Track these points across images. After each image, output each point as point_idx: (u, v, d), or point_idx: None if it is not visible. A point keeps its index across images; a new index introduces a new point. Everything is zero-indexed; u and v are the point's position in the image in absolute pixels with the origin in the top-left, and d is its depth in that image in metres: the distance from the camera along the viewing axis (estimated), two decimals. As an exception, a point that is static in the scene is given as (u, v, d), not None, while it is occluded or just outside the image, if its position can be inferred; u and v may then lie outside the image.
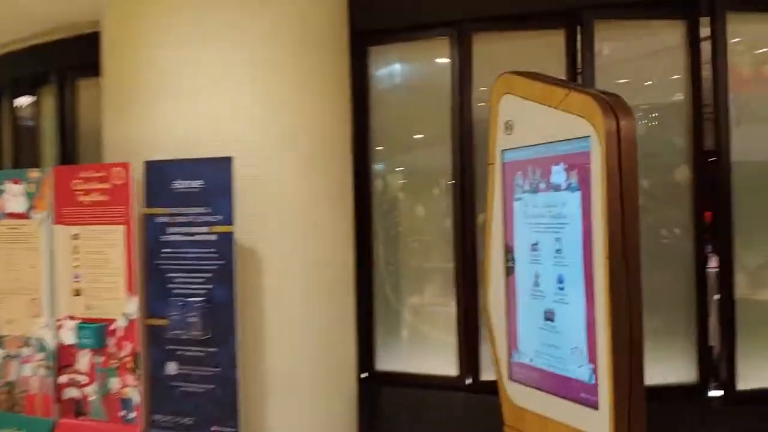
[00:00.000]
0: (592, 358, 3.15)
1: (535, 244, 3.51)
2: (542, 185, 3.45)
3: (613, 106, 3.05)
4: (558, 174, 3.34)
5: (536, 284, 3.51)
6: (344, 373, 4.73)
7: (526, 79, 3.58)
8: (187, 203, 4.03)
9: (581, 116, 3.14)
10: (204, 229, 3.99)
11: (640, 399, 3.05)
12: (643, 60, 4.76)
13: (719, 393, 4.53)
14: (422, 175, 5.14)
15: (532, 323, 3.55)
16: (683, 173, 4.60)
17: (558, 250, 3.35)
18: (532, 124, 3.52)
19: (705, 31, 4.58)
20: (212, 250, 3.97)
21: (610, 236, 3.01)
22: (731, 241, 4.48)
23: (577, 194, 3.21)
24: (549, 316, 3.43)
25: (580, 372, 3.22)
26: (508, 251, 3.70)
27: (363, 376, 5.06)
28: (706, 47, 4.56)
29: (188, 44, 4.30)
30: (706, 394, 4.53)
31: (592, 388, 3.15)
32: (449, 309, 4.90)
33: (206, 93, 4.28)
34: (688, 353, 4.55)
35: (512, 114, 3.66)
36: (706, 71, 4.56)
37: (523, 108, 3.57)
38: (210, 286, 3.97)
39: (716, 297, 4.60)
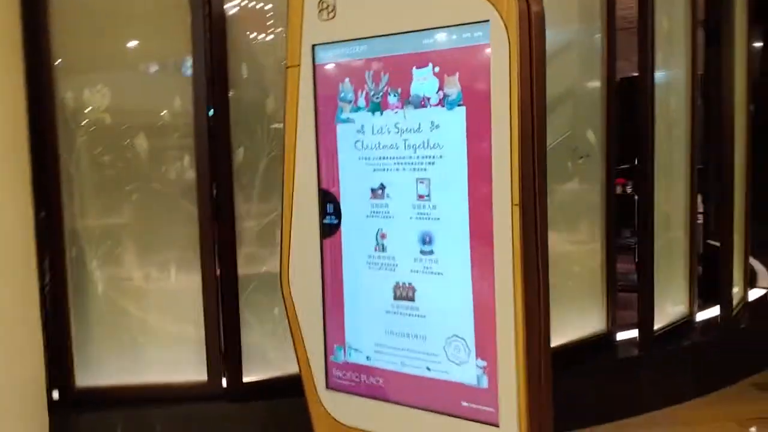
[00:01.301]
0: (484, 352, 2.16)
1: (379, 188, 2.35)
2: (393, 99, 2.28)
3: (523, -23, 2.03)
4: (424, 81, 2.21)
5: (381, 248, 2.37)
6: (25, 395, 2.98)
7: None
8: None
9: (474, -10, 2.06)
10: None
11: (550, 406, 2.18)
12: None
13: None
14: (141, 98, 3.48)
15: (372, 305, 2.41)
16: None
17: (423, 197, 2.25)
18: (372, 1, 2.31)
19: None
20: None
21: (522, 170, 2.02)
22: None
23: (459, 112, 2.14)
24: (404, 294, 2.33)
25: (462, 372, 2.22)
26: (328, 201, 2.47)
27: (55, 397, 3.33)
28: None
29: None
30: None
31: (484, 395, 2.17)
32: (190, 286, 3.43)
33: None
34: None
35: (334, -12, 2.39)
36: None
37: (355, -22, 2.34)
38: None
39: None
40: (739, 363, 4.50)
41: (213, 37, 3.26)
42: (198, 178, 3.28)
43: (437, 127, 2.19)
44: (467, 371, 2.20)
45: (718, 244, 4.75)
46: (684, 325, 4.45)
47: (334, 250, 2.47)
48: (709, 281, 4.76)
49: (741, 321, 4.84)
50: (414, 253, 2.28)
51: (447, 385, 2.25)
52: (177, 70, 3.40)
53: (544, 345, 2.12)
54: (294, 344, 2.61)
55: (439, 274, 2.24)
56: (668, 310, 4.35)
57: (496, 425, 2.13)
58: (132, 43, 3.44)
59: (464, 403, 2.21)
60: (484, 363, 2.17)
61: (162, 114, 3.37)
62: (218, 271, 3.33)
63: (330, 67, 2.42)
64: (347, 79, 2.38)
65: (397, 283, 2.34)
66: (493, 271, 2.09)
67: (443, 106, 2.17)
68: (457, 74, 2.13)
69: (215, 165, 3.28)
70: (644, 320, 4.10)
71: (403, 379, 2.36)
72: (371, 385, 2.44)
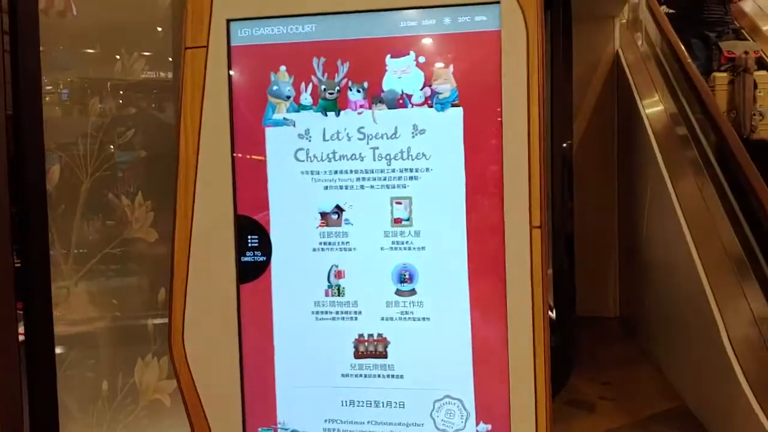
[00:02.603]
0: (488, 414, 1.73)
1: (334, 212, 1.78)
2: (355, 96, 1.76)
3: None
4: (403, 74, 1.73)
5: (335, 291, 1.79)
6: None
7: None
8: None
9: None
10: None
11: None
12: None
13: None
14: None
15: (320, 369, 1.81)
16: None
17: (400, 222, 1.75)
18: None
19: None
20: None
21: (543, 186, 1.67)
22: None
23: (455, 114, 1.71)
24: (371, 350, 1.78)
25: None
26: (250, 232, 1.81)
27: None
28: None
29: None
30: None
31: (488, 469, 1.73)
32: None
33: None
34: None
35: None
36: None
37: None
38: None
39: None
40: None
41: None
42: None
43: (422, 132, 1.72)
44: None
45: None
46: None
47: (259, 297, 1.82)
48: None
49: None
50: (386, 295, 1.76)
51: None
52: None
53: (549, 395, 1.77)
54: (189, 419, 1.87)
55: (423, 319, 1.75)
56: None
57: None
58: None
59: None
60: (487, 427, 1.73)
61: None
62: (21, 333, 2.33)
63: (255, 50, 1.80)
64: (283, 68, 1.79)
65: (360, 336, 1.78)
66: (503, 310, 1.68)
67: (431, 106, 1.71)
68: (451, 66, 1.70)
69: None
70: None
71: None
72: None
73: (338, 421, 1.80)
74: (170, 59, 2.46)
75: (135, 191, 2.28)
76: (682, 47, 4.33)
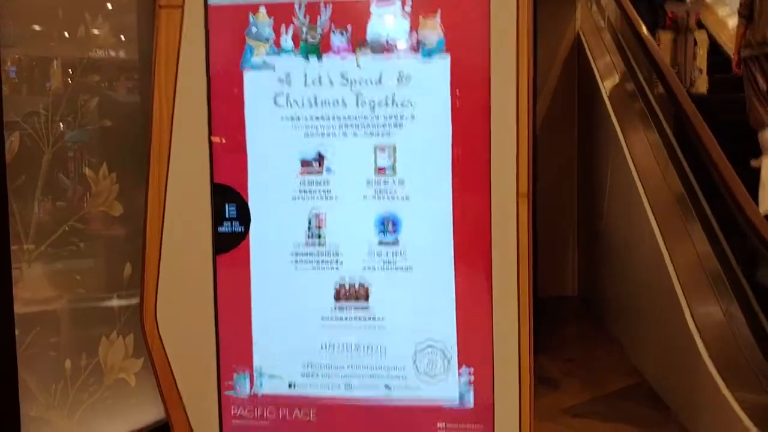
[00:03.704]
0: (470, 359, 1.77)
1: (316, 159, 1.75)
2: (338, 40, 1.71)
3: None
4: (388, 21, 1.70)
5: (315, 239, 1.77)
6: None
7: None
8: None
9: None
10: None
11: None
12: None
13: None
14: None
15: (299, 314, 1.80)
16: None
17: (384, 171, 1.74)
18: None
19: None
20: None
21: (528, 144, 1.69)
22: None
23: (441, 62, 1.69)
24: (353, 293, 1.78)
25: (437, 388, 1.78)
26: (227, 200, 1.76)
27: None
28: None
29: None
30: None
31: (467, 412, 1.77)
32: None
33: None
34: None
35: None
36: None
37: None
38: None
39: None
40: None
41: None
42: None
43: (407, 79, 1.70)
44: (446, 385, 1.77)
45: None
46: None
47: (237, 267, 1.78)
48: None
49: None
50: (369, 244, 1.75)
51: (415, 407, 1.79)
52: None
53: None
54: (162, 394, 1.84)
55: (406, 269, 1.75)
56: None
57: (490, 441, 1.76)
58: None
59: (441, 424, 1.78)
60: (470, 370, 1.77)
61: None
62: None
63: (234, 10, 1.72)
64: (263, 10, 1.72)
65: (342, 284, 1.78)
66: (487, 259, 1.71)
67: (419, 53, 1.69)
68: (439, 14, 1.68)
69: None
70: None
71: (347, 408, 1.81)
72: (296, 421, 1.83)
73: (317, 366, 1.80)
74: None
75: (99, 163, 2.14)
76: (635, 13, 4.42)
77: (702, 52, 4.79)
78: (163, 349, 1.81)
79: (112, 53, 2.24)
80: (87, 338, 2.14)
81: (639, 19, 4.33)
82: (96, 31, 2.15)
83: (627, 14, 4.41)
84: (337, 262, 1.77)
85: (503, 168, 1.67)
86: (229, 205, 1.76)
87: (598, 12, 5.24)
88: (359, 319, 1.78)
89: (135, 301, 2.03)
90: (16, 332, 1.98)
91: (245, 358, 1.81)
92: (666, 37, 4.75)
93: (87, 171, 2.07)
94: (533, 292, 1.73)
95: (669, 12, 4.88)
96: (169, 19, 1.73)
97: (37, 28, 2.14)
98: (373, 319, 1.78)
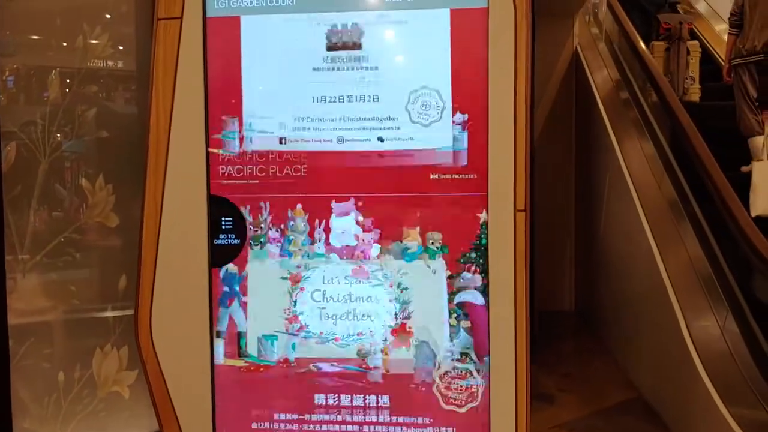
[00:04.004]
0: (463, 104, 1.72)
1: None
2: None
3: None
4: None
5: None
6: None
7: None
8: None
9: None
10: None
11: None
12: None
13: None
14: None
15: (289, 65, 1.76)
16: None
17: None
18: None
19: None
20: None
21: (526, 161, 1.69)
22: None
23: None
24: (344, 41, 1.73)
25: (431, 135, 1.72)
26: (223, 214, 1.76)
27: None
28: None
29: None
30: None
31: (462, 160, 1.72)
32: None
33: None
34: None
35: None
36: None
37: None
38: None
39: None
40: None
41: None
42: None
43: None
44: (439, 132, 1.70)
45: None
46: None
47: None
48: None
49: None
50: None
51: (407, 157, 1.72)
52: None
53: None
54: (155, 407, 1.83)
55: (401, 22, 1.72)
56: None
57: (485, 194, 1.70)
58: None
59: (434, 176, 1.72)
60: (464, 117, 1.69)
61: None
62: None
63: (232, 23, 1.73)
64: None
65: (334, 27, 1.72)
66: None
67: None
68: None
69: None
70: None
71: (337, 156, 1.74)
72: (283, 177, 1.76)
73: (308, 119, 1.75)
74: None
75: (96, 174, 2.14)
76: (632, 26, 4.46)
77: (694, 61, 4.84)
78: (158, 361, 1.80)
79: (110, 64, 2.23)
80: (81, 350, 2.12)
81: (635, 32, 4.37)
82: (94, 42, 2.15)
83: (623, 27, 4.45)
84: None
85: (501, 183, 1.66)
86: (225, 220, 1.76)
87: (595, 24, 5.28)
88: (352, 69, 1.73)
89: (130, 312, 2.02)
90: (10, 343, 1.97)
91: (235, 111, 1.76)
92: (659, 46, 4.80)
93: (83, 182, 2.06)
94: (530, 304, 1.73)
95: (663, 22, 4.94)
96: (167, 31, 1.73)
97: (35, 37, 2.14)
98: (367, 67, 1.73)
